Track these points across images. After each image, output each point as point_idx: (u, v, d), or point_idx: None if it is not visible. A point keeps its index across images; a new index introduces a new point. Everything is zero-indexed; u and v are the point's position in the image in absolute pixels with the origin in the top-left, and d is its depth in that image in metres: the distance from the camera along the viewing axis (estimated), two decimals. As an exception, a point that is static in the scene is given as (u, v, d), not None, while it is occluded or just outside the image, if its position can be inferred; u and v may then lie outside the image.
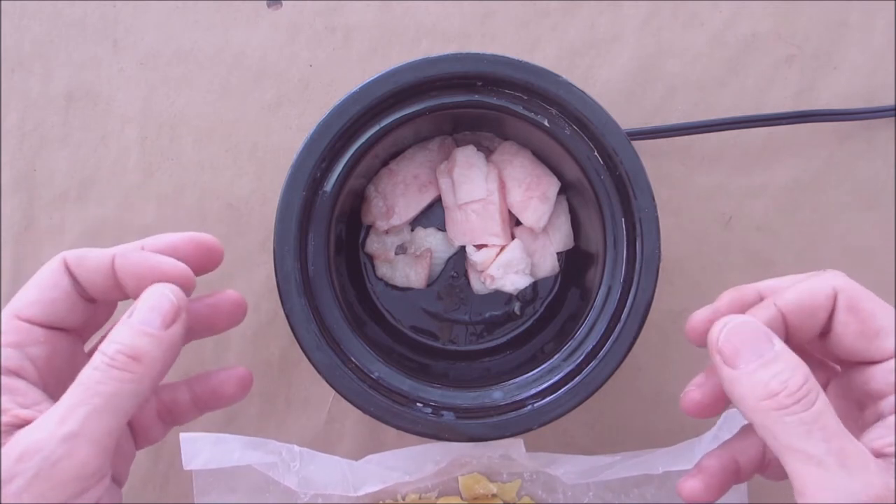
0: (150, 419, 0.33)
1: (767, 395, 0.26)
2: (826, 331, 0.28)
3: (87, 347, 0.32)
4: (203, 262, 0.32)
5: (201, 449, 0.37)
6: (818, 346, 0.30)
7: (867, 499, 0.24)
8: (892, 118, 0.41)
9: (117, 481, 0.32)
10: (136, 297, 0.30)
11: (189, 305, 0.30)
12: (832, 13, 0.42)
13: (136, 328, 0.28)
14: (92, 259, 0.30)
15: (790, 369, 0.26)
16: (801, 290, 0.28)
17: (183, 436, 0.37)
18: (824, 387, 0.30)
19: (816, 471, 0.24)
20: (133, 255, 0.30)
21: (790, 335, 0.28)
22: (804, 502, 0.25)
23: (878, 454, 0.26)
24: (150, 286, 0.29)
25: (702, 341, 0.29)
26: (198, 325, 0.33)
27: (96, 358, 0.27)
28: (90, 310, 0.31)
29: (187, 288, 0.30)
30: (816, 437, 0.25)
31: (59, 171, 0.42)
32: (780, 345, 0.27)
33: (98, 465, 0.26)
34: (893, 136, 0.42)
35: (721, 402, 0.30)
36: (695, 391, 0.30)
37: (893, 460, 0.25)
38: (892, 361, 0.27)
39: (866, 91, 0.42)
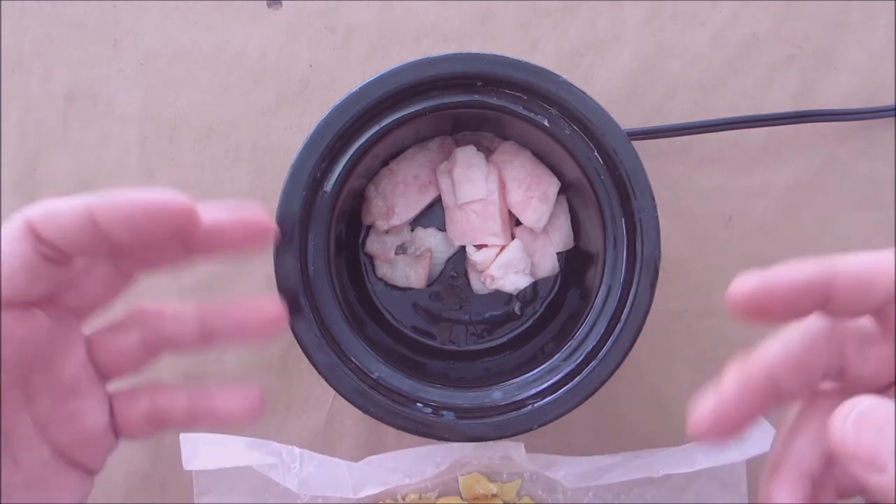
0: (139, 420, 0.29)
1: None
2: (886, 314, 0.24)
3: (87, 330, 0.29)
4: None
5: (201, 449, 0.37)
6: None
7: None
8: (892, 118, 0.41)
9: (89, 471, 0.29)
10: (127, 242, 0.25)
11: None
12: (832, 13, 0.42)
13: None
14: (63, 216, 0.25)
15: None
16: (866, 257, 0.24)
17: (183, 436, 0.37)
18: None
19: None
20: (117, 196, 0.24)
21: (831, 302, 0.24)
22: None
23: None
24: None
25: (741, 310, 0.24)
26: (215, 242, 0.27)
27: None
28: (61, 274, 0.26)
29: (192, 219, 0.25)
30: None
31: (59, 171, 0.42)
32: None
33: None
34: (893, 136, 0.42)
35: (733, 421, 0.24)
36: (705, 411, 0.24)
37: None
38: None
39: (866, 91, 0.42)
